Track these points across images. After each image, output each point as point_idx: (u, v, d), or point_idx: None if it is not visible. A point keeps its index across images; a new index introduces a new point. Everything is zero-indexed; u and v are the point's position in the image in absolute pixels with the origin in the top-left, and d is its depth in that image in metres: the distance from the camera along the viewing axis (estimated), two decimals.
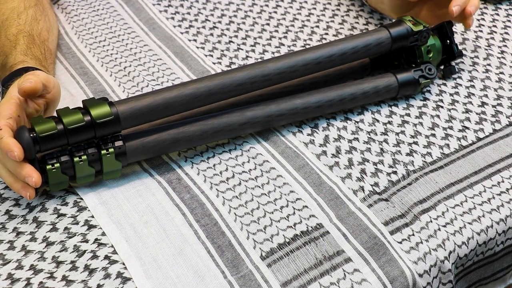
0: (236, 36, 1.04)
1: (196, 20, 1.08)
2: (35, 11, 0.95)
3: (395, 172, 0.83)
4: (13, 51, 0.86)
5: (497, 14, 1.10)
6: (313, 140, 0.87)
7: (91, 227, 0.75)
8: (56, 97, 0.81)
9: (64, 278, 0.70)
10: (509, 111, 0.92)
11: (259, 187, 0.80)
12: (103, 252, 0.72)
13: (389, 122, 0.90)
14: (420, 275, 0.73)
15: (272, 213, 0.77)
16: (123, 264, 0.71)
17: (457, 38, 1.04)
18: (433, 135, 0.88)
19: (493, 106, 0.93)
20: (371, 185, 0.81)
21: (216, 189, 0.80)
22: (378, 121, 0.90)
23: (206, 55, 1.00)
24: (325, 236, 0.75)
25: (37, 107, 0.78)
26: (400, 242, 0.75)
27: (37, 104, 0.78)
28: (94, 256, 0.72)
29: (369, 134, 0.88)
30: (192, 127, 0.80)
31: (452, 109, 0.92)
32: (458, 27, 1.07)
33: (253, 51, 1.02)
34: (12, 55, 0.86)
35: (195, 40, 1.03)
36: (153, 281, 0.70)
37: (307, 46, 1.02)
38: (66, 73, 0.97)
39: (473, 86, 0.96)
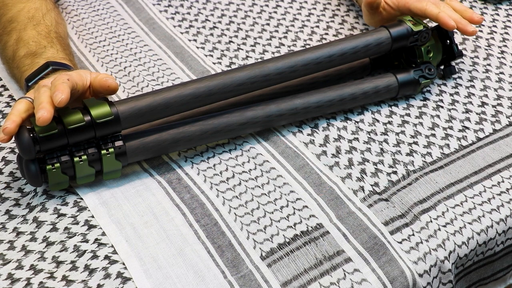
0: (236, 36, 1.04)
1: (196, 20, 1.08)
2: (56, 15, 0.95)
3: (395, 172, 0.83)
4: (53, 46, 0.87)
5: (497, 14, 1.10)
6: (313, 140, 0.87)
7: (91, 227, 0.75)
8: None
9: (64, 278, 0.70)
10: (509, 111, 0.92)
11: (259, 187, 0.80)
12: (103, 252, 0.72)
13: (389, 122, 0.90)
14: (420, 275, 0.73)
15: (272, 213, 0.77)
16: (123, 264, 0.71)
17: (457, 38, 1.04)
18: (433, 135, 0.88)
19: (493, 106, 0.93)
20: (371, 185, 0.81)
21: (216, 189, 0.80)
22: (378, 121, 0.90)
23: (206, 55, 1.00)
24: (325, 236, 0.75)
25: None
26: (400, 242, 0.75)
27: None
28: (94, 256, 0.72)
29: (369, 134, 0.88)
30: (192, 127, 0.80)
31: (452, 109, 0.92)
32: None
33: (253, 51, 1.02)
34: (52, 48, 0.86)
35: (195, 40, 1.03)
36: (153, 281, 0.70)
37: (307, 46, 1.02)
38: None
39: (473, 86, 0.96)
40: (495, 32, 1.06)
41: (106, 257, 0.72)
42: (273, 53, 1.01)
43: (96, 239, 0.74)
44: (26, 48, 0.86)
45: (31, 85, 0.80)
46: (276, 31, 1.06)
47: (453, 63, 0.97)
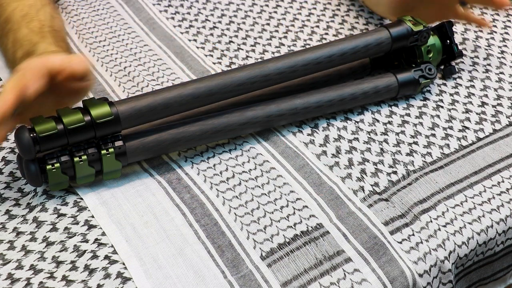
0: (236, 36, 1.04)
1: (196, 20, 1.08)
2: (51, 9, 0.95)
3: (395, 172, 0.83)
4: (44, 40, 0.86)
5: (497, 14, 1.10)
6: (313, 140, 0.87)
7: (91, 227, 0.75)
8: (87, 90, 0.82)
9: (64, 278, 0.70)
10: (509, 111, 0.92)
11: (259, 187, 0.80)
12: (103, 252, 0.72)
13: (389, 122, 0.90)
14: (420, 275, 0.74)
15: (272, 213, 0.77)
16: (123, 264, 0.71)
17: (457, 38, 1.04)
18: (433, 135, 0.88)
19: (493, 106, 0.93)
20: (371, 185, 0.81)
21: (216, 189, 0.80)
22: (378, 121, 0.90)
23: (206, 55, 1.00)
24: (325, 236, 0.75)
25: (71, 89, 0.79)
26: (400, 242, 0.75)
27: (70, 88, 0.78)
28: (94, 256, 0.72)
29: (369, 134, 0.88)
30: (192, 127, 0.80)
31: (452, 109, 0.92)
32: (458, 27, 1.07)
33: (253, 51, 1.02)
34: (43, 43, 0.85)
35: (195, 40, 1.03)
36: (153, 281, 0.70)
37: (307, 46, 1.02)
38: None
39: (473, 86, 0.96)
40: (495, 32, 1.06)
41: (106, 257, 0.72)
42: (273, 53, 1.01)
43: (96, 239, 0.74)
44: (22, 49, 0.86)
45: None
46: (276, 31, 1.06)
47: (453, 63, 0.97)
